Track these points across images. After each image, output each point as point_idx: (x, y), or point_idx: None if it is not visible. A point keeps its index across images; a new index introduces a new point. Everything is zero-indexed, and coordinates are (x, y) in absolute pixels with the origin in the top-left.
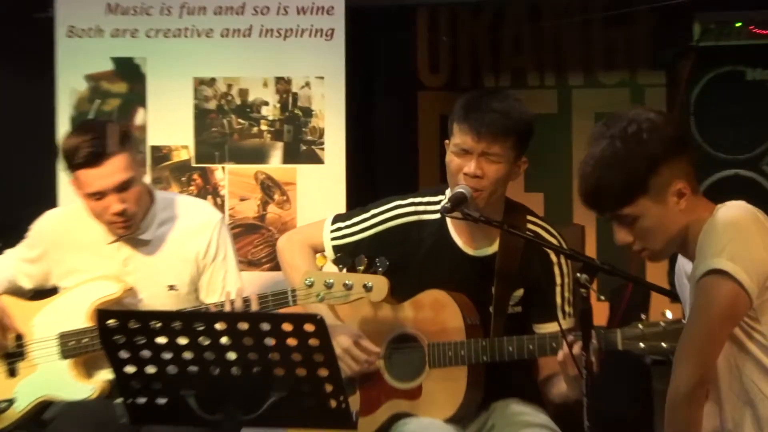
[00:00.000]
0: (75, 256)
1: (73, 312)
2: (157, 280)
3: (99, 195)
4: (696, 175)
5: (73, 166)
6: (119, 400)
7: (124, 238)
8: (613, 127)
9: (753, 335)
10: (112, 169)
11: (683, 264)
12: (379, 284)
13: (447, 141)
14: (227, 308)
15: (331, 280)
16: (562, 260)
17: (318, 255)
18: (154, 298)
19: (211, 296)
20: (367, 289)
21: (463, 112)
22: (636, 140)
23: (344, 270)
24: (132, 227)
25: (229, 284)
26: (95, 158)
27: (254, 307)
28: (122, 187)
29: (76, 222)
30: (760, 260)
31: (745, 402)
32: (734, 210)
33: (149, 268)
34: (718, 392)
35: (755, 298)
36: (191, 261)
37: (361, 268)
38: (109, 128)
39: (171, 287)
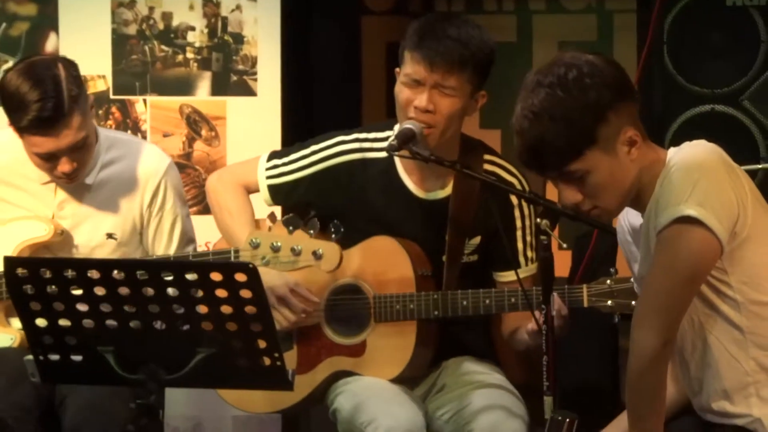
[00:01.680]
0: (5, 188)
1: None
2: (95, 227)
3: (48, 156)
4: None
5: (19, 129)
6: (29, 357)
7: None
8: (551, 75)
9: (722, 290)
10: (66, 131)
11: (627, 218)
12: (331, 252)
13: (398, 69)
14: None
15: (279, 243)
16: (524, 202)
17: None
18: (91, 245)
19: (158, 246)
20: (317, 256)
21: (417, 39)
22: (579, 87)
23: (293, 232)
24: (78, 180)
25: (179, 234)
26: (48, 123)
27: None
28: (76, 148)
29: (10, 152)
30: (729, 203)
31: (709, 364)
32: (696, 150)
33: (87, 213)
34: (680, 353)
35: (726, 245)
36: (134, 211)
37: (312, 232)
38: (64, 79)
39: (110, 235)
